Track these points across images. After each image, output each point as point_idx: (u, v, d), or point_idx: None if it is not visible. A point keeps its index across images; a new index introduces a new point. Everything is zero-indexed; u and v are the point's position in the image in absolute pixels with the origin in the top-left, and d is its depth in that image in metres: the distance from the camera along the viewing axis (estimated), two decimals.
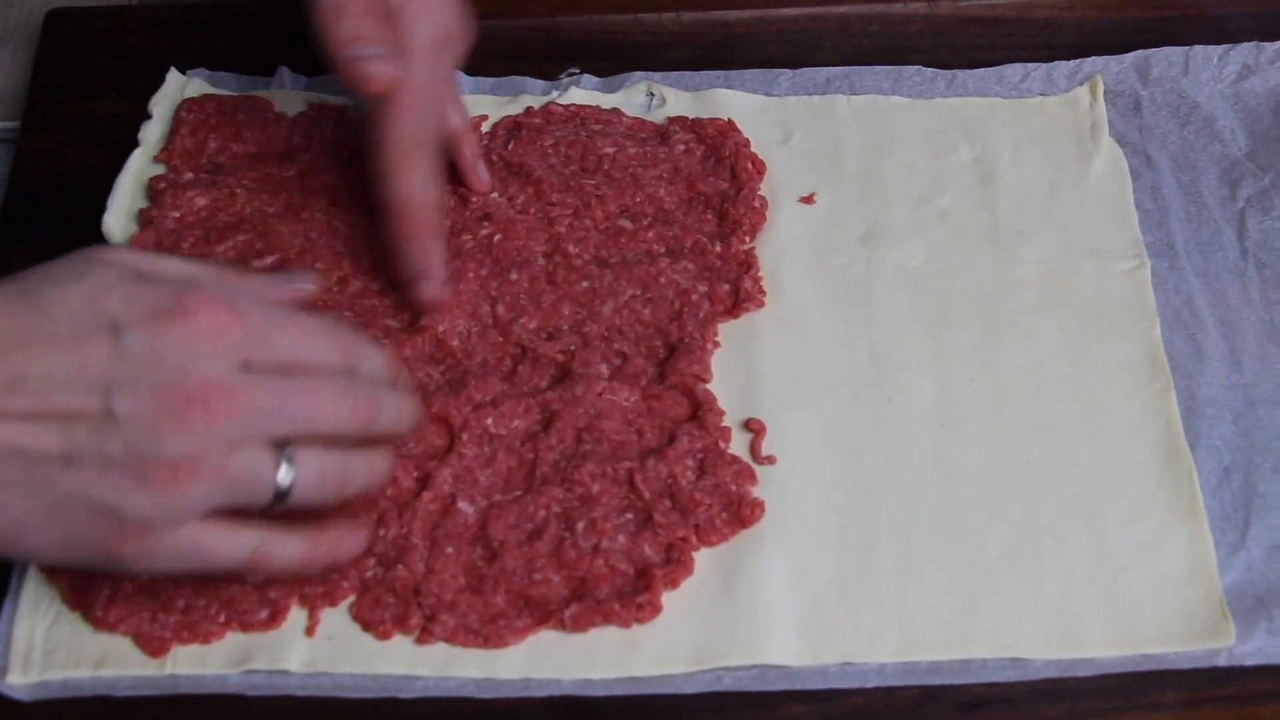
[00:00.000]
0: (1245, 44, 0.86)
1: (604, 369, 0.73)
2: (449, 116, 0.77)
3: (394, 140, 0.72)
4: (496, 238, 0.78)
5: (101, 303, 0.58)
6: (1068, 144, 0.83)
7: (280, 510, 0.61)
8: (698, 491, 0.69)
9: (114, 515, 0.58)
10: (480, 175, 0.79)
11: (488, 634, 0.66)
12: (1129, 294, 0.77)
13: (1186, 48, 0.86)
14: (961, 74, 0.86)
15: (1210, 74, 0.86)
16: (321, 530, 0.64)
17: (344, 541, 0.65)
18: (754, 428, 0.72)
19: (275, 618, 0.66)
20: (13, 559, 0.62)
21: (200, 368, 0.58)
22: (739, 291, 0.76)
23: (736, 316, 0.76)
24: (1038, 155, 0.82)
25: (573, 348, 0.74)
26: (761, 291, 0.77)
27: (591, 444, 0.70)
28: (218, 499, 0.60)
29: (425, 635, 0.66)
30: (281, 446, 0.60)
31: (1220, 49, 0.86)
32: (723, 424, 0.72)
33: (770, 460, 0.71)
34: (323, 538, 0.64)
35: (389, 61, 0.71)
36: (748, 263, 0.77)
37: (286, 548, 0.63)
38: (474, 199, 0.79)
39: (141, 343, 0.58)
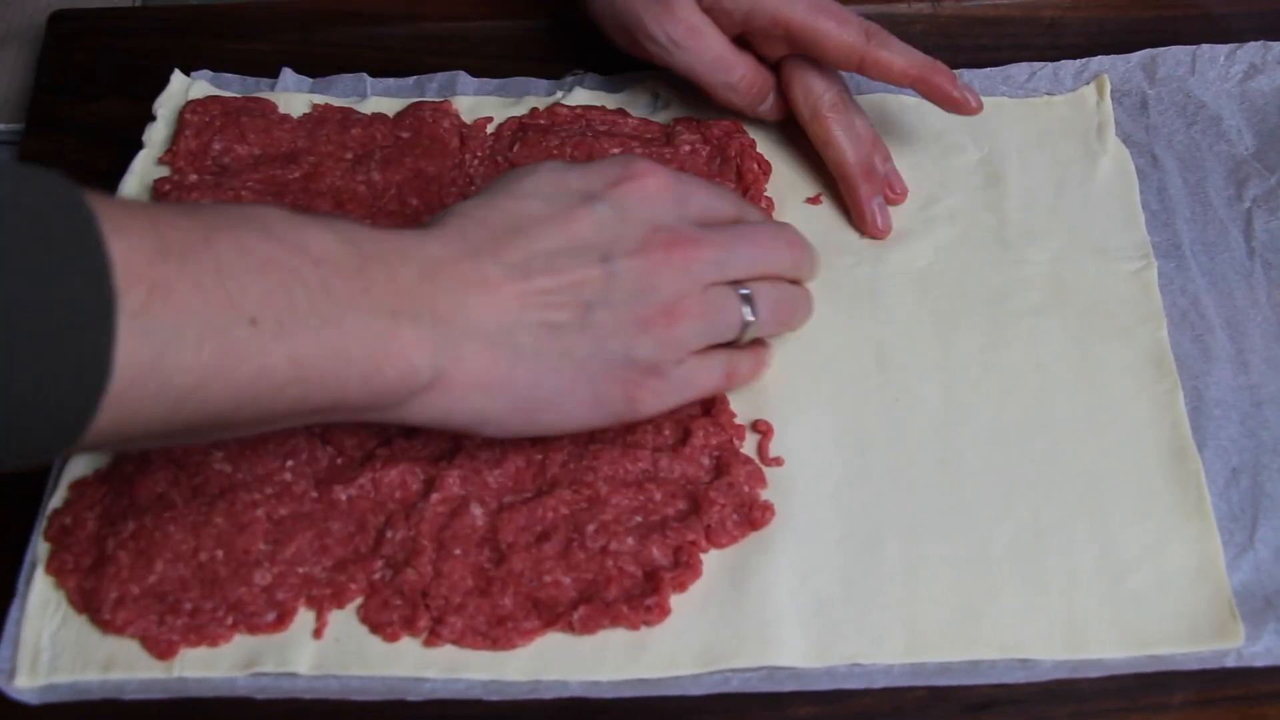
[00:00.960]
0: (1252, 43, 0.86)
1: None
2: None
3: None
4: None
5: (565, 184, 0.66)
6: (1074, 144, 0.83)
7: (744, 342, 0.70)
8: (713, 491, 0.69)
9: (629, 362, 0.66)
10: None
11: (496, 636, 0.66)
12: (1135, 294, 0.77)
13: (1193, 47, 0.86)
14: (967, 73, 0.86)
15: (1217, 73, 0.86)
16: (755, 346, 0.72)
17: (765, 353, 0.73)
18: (761, 429, 0.72)
19: (283, 620, 0.66)
20: (552, 430, 0.68)
21: (662, 221, 0.67)
22: None
23: None
24: (1044, 155, 0.82)
25: None
26: None
27: (602, 444, 0.70)
28: (702, 336, 0.68)
29: (433, 637, 0.66)
30: (739, 287, 0.69)
31: (1227, 48, 0.86)
32: (735, 423, 0.72)
33: (778, 462, 0.71)
34: (761, 350, 0.73)
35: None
36: None
37: (745, 362, 0.71)
38: None
39: (612, 206, 0.66)
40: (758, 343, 0.72)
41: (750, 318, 0.69)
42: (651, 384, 0.67)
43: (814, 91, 0.80)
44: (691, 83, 0.81)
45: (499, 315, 0.63)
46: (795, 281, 0.73)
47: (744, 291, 0.69)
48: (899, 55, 0.78)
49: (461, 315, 0.62)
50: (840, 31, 0.77)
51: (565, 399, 0.65)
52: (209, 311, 0.55)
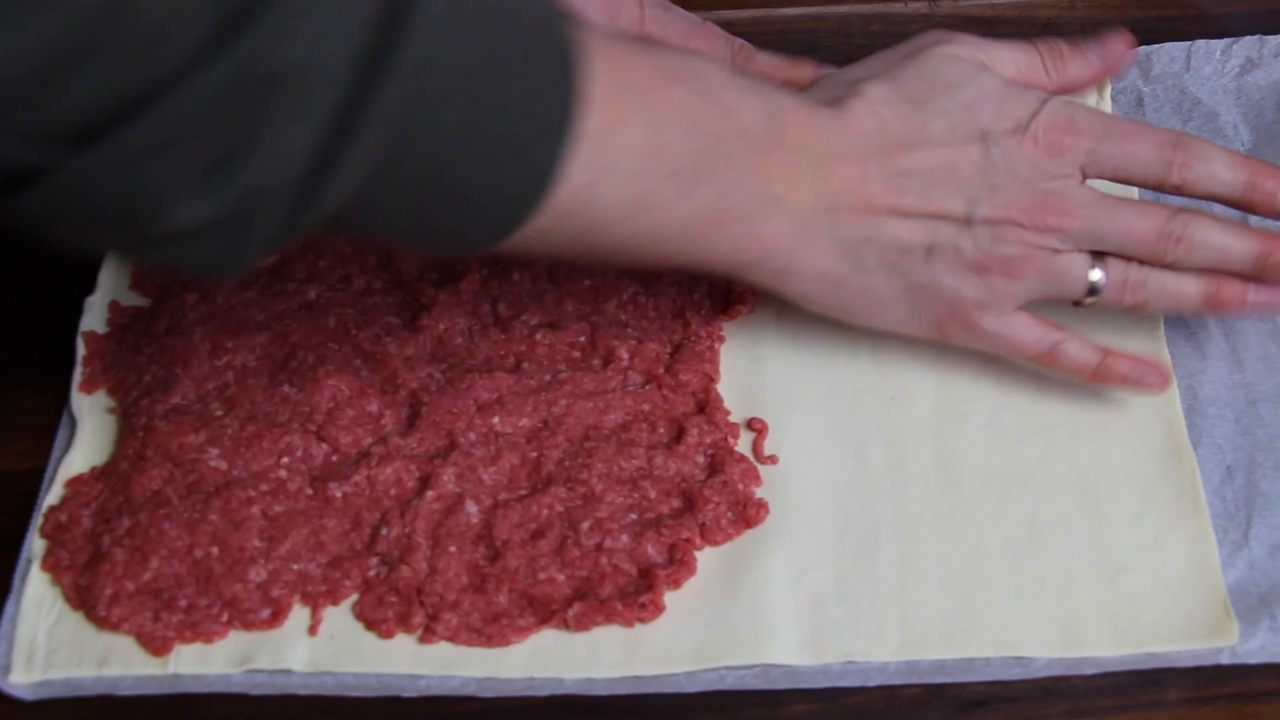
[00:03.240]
0: (1248, 38, 0.86)
1: (610, 365, 0.73)
2: None
3: None
4: None
5: (976, 115, 0.68)
6: None
7: (1089, 304, 0.70)
8: (707, 489, 0.69)
9: (954, 299, 0.69)
10: None
11: (490, 633, 0.66)
12: None
13: (1188, 43, 0.86)
14: None
15: (1213, 69, 0.86)
16: (1119, 353, 0.70)
17: (1137, 370, 0.71)
18: (756, 427, 0.72)
19: (278, 617, 0.66)
20: (864, 323, 0.71)
21: (1043, 184, 0.67)
22: (730, 294, 0.76)
23: (731, 318, 0.76)
24: None
25: (581, 338, 0.74)
26: (754, 294, 0.77)
27: (597, 441, 0.70)
28: (1036, 292, 0.69)
29: (428, 634, 0.66)
30: (1096, 257, 0.68)
31: (1223, 43, 0.86)
32: (730, 420, 0.72)
33: (773, 460, 0.71)
34: (1118, 358, 0.70)
35: None
36: None
37: (1081, 351, 0.70)
38: None
39: (1001, 155, 0.67)
40: (1114, 368, 0.70)
41: (1098, 283, 0.69)
42: (967, 320, 0.70)
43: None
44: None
45: (863, 224, 0.67)
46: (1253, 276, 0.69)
47: (1098, 272, 0.69)
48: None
49: (831, 216, 0.66)
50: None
51: (884, 310, 0.70)
52: (645, 152, 0.60)
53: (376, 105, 0.49)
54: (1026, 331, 0.70)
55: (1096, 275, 0.69)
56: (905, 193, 0.67)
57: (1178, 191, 0.69)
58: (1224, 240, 0.68)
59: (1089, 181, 0.69)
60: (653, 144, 0.61)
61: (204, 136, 0.48)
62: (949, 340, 0.71)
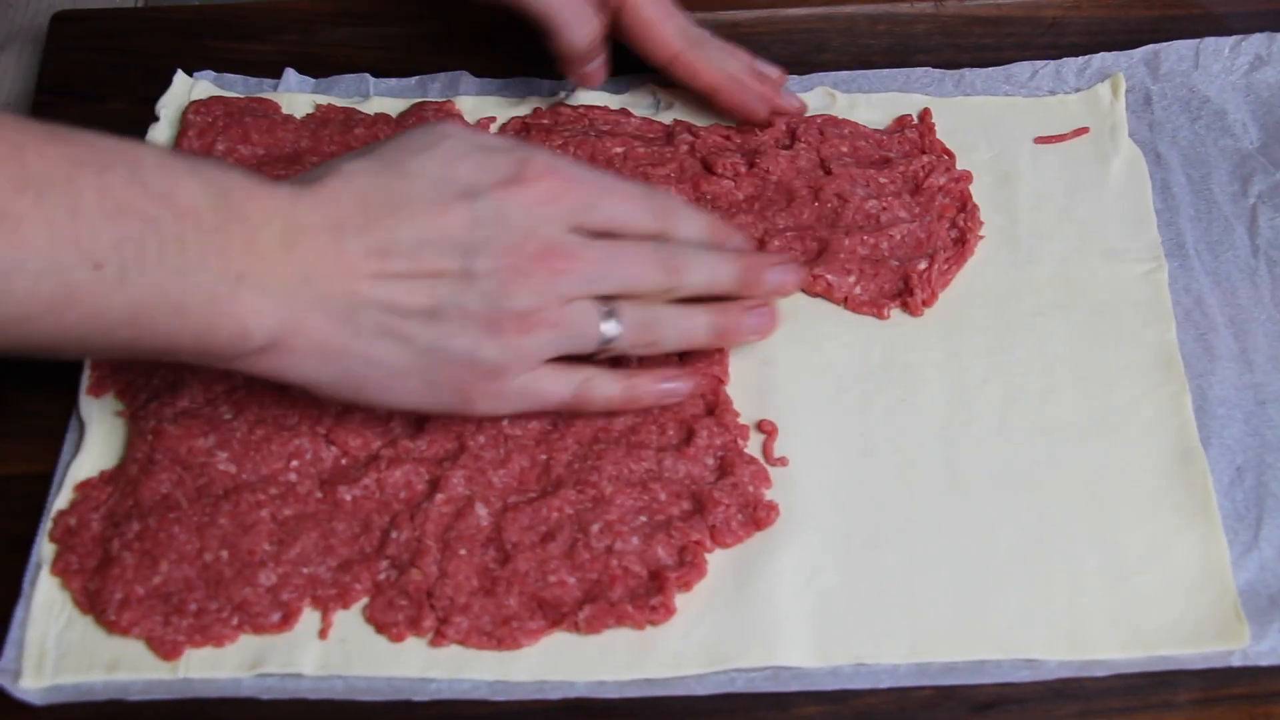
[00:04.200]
0: (1257, 35, 0.86)
1: (620, 366, 0.73)
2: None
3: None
4: None
5: (455, 171, 0.66)
6: (1087, 144, 0.83)
7: (605, 357, 0.69)
8: (717, 491, 0.69)
9: (470, 362, 0.66)
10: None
11: (501, 636, 0.66)
12: (1145, 296, 0.76)
13: (1197, 41, 0.86)
14: (969, 73, 0.86)
15: (1221, 66, 0.85)
16: (639, 372, 0.71)
17: (662, 382, 0.71)
18: (766, 429, 0.72)
19: (288, 620, 0.66)
20: (381, 405, 0.68)
21: (541, 230, 0.66)
22: None
23: None
24: (1056, 155, 0.82)
25: None
26: None
27: (606, 444, 0.70)
28: (554, 347, 0.67)
29: (438, 638, 0.66)
30: (606, 303, 0.68)
31: (1231, 40, 0.86)
32: (740, 423, 0.72)
33: (782, 462, 0.71)
34: (641, 377, 0.71)
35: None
36: None
37: (606, 384, 0.70)
38: None
39: (492, 207, 0.65)
40: (649, 366, 0.71)
41: (611, 333, 0.68)
42: (490, 386, 0.67)
43: (664, 38, 0.81)
44: (539, 24, 0.81)
45: (345, 298, 0.64)
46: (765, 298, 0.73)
47: (605, 309, 0.68)
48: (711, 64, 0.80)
49: (310, 289, 0.63)
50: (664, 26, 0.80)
51: (397, 383, 0.66)
52: (55, 251, 0.57)
53: None
54: (553, 382, 0.69)
55: (609, 326, 0.68)
56: (391, 258, 0.64)
57: (663, 237, 0.70)
58: (709, 262, 0.70)
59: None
60: (63, 238, 0.57)
61: None
62: (473, 413, 0.69)
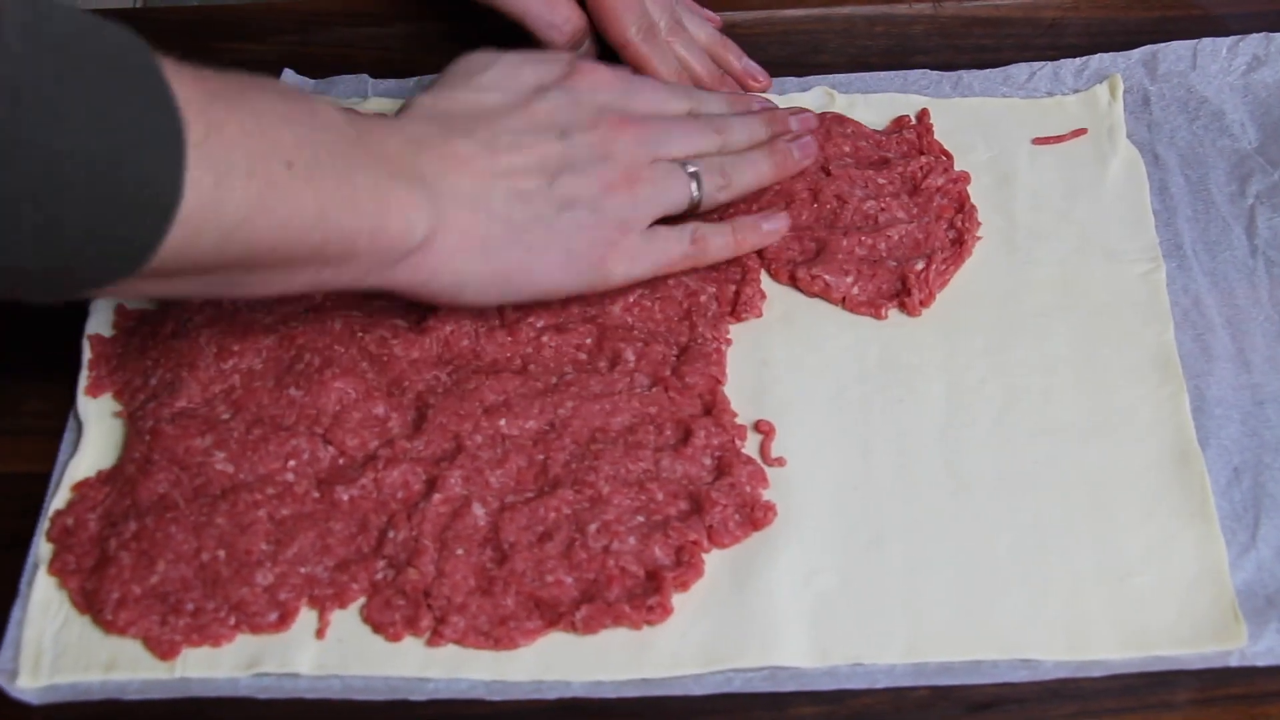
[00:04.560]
0: (1254, 35, 0.86)
1: (617, 367, 0.73)
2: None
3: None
4: None
5: (518, 76, 0.74)
6: (1085, 145, 0.83)
7: (693, 209, 0.76)
8: (715, 491, 0.69)
9: (597, 221, 0.72)
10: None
11: (498, 636, 0.66)
12: (1143, 297, 0.76)
13: (1194, 41, 0.86)
14: (967, 75, 0.86)
15: (1219, 66, 0.85)
16: (739, 218, 0.78)
17: (763, 223, 0.78)
18: (763, 429, 0.72)
19: (285, 620, 0.66)
20: (529, 295, 0.73)
21: (612, 106, 0.75)
22: (740, 297, 0.76)
23: (738, 320, 0.76)
24: (1054, 156, 0.82)
25: (588, 340, 0.74)
26: (762, 296, 0.77)
27: (604, 444, 0.70)
28: (656, 203, 0.74)
29: (436, 637, 0.66)
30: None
31: (1229, 40, 0.86)
32: (737, 423, 0.72)
33: (780, 462, 0.71)
34: (742, 219, 0.78)
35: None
36: (749, 268, 0.77)
37: (715, 232, 0.76)
38: None
39: (562, 94, 0.74)
40: (745, 227, 0.77)
41: (695, 185, 0.75)
42: (621, 244, 0.72)
43: (619, 24, 0.83)
44: (516, 20, 0.84)
45: (474, 184, 0.70)
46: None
47: (691, 168, 0.75)
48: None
49: (444, 183, 0.69)
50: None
51: (537, 259, 0.71)
52: (255, 149, 0.61)
53: None
54: (669, 237, 0.74)
55: (693, 179, 0.75)
56: (499, 150, 0.71)
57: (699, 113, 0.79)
58: (743, 120, 0.79)
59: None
60: (257, 139, 0.61)
61: None
62: (609, 279, 0.73)
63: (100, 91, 0.56)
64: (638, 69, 0.83)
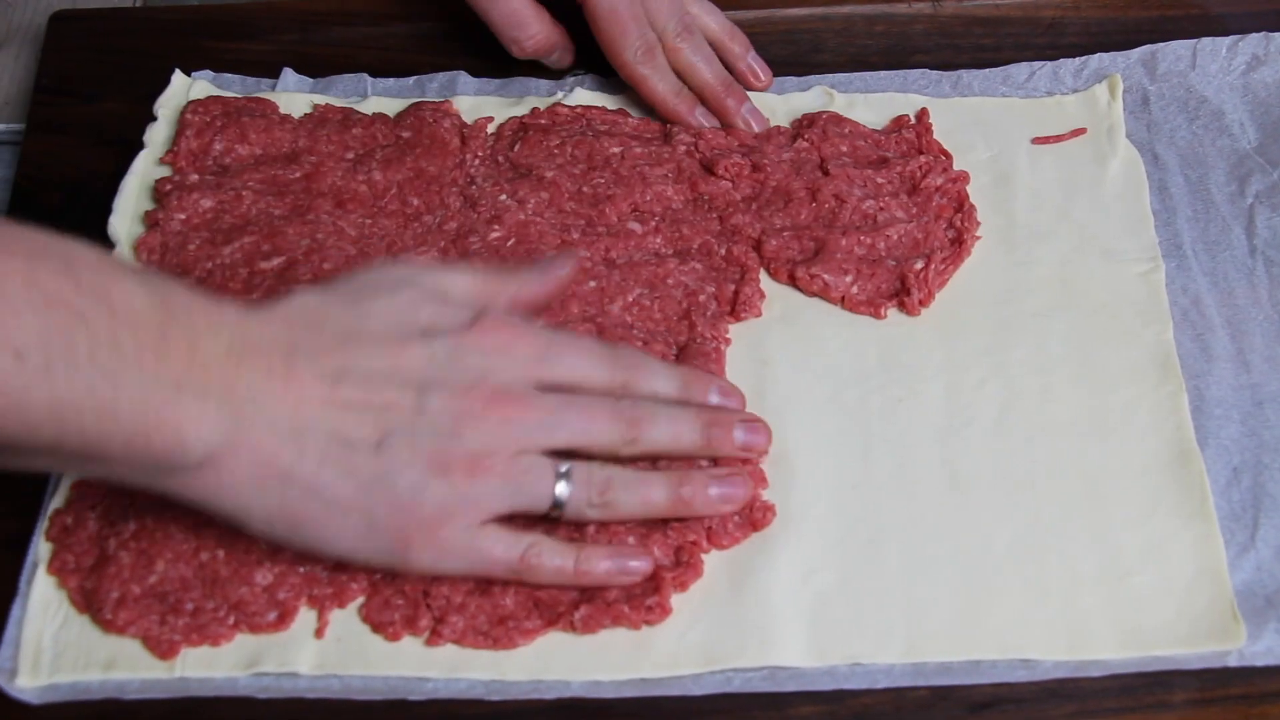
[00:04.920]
0: (1254, 34, 0.86)
1: None
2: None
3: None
4: (510, 242, 0.78)
5: (414, 315, 0.65)
6: (1084, 145, 0.83)
7: (556, 518, 0.66)
8: None
9: (414, 502, 0.63)
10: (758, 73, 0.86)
11: (497, 636, 0.66)
12: (1142, 296, 0.76)
13: (1194, 41, 0.86)
14: (967, 74, 0.86)
15: (1219, 66, 0.85)
16: (592, 545, 0.67)
17: (615, 559, 0.66)
18: None
19: (284, 619, 0.66)
20: (314, 549, 0.65)
21: (496, 376, 0.64)
22: (739, 297, 0.76)
23: (738, 319, 0.76)
24: (1054, 156, 0.82)
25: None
26: (761, 295, 0.77)
27: None
28: (502, 499, 0.64)
29: (434, 637, 0.66)
30: (560, 461, 0.65)
31: (1229, 40, 0.86)
32: None
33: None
34: (593, 550, 0.66)
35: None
36: (748, 268, 0.77)
37: (555, 554, 0.66)
38: (483, 203, 0.79)
39: (448, 349, 0.64)
40: (592, 558, 0.66)
41: (564, 492, 0.65)
42: (432, 534, 0.64)
43: (615, 46, 0.82)
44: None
45: (294, 413, 0.62)
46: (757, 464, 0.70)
47: (559, 467, 0.65)
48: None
49: (255, 405, 0.61)
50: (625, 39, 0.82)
51: (335, 519, 0.63)
52: None
53: None
54: (497, 543, 0.65)
55: (561, 485, 0.65)
56: (343, 385, 0.63)
57: (625, 394, 0.67)
58: (672, 417, 0.67)
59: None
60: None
61: None
62: (410, 564, 0.65)
63: None
64: (636, 89, 0.82)
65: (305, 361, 0.62)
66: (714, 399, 0.70)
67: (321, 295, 0.65)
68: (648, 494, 0.67)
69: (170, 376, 0.59)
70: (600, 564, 0.66)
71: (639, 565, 0.66)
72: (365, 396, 0.63)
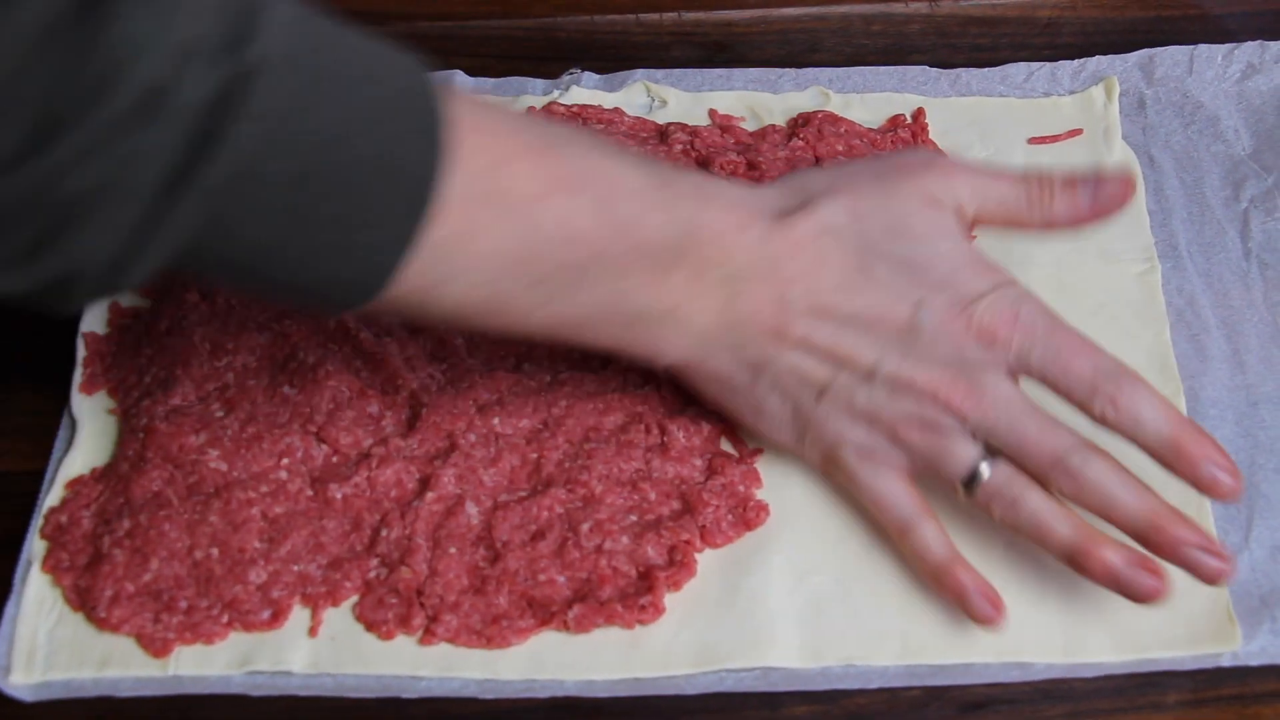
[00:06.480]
0: (1249, 43, 0.86)
1: (610, 365, 0.73)
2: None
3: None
4: None
5: (922, 277, 0.65)
6: (1081, 146, 0.82)
7: (962, 499, 0.66)
8: (706, 492, 0.69)
9: (836, 441, 0.67)
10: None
11: (490, 635, 0.66)
12: (1139, 297, 0.76)
13: (1191, 47, 0.86)
14: (965, 73, 0.86)
15: (1214, 73, 0.85)
16: (965, 566, 0.65)
17: (975, 590, 0.65)
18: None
19: (278, 618, 0.66)
20: (754, 433, 0.70)
21: (960, 365, 0.64)
22: None
23: None
24: (1050, 157, 0.82)
25: None
26: None
27: (597, 443, 0.70)
28: (917, 463, 0.66)
29: (428, 636, 0.66)
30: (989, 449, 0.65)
31: (1225, 48, 0.86)
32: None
33: (758, 451, 0.71)
34: (963, 569, 0.65)
35: None
36: None
37: (934, 542, 0.66)
38: None
39: (930, 324, 0.64)
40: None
41: (984, 474, 0.64)
42: (846, 463, 0.67)
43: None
44: None
45: (765, 347, 0.65)
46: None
47: (988, 451, 0.65)
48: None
49: (732, 333, 0.65)
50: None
51: (774, 427, 0.68)
52: (503, 264, 0.59)
53: (191, 199, 0.49)
54: (895, 497, 0.66)
55: (985, 466, 0.64)
56: (819, 329, 0.65)
57: (1100, 422, 0.64)
58: (1117, 493, 0.63)
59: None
60: (515, 254, 0.59)
61: (8, 235, 0.49)
62: (830, 478, 0.69)
63: (357, 154, 0.53)
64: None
65: (797, 298, 0.65)
66: (1206, 471, 0.63)
67: (848, 220, 0.65)
68: (1052, 528, 0.64)
69: (665, 304, 0.63)
70: (963, 579, 0.65)
71: (988, 612, 0.65)
72: (832, 344, 0.65)
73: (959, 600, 0.65)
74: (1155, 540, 0.63)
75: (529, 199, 0.58)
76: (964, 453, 0.65)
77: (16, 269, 0.50)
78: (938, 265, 0.65)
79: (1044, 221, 0.69)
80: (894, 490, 0.67)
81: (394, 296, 0.57)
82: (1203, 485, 0.63)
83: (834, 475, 0.69)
